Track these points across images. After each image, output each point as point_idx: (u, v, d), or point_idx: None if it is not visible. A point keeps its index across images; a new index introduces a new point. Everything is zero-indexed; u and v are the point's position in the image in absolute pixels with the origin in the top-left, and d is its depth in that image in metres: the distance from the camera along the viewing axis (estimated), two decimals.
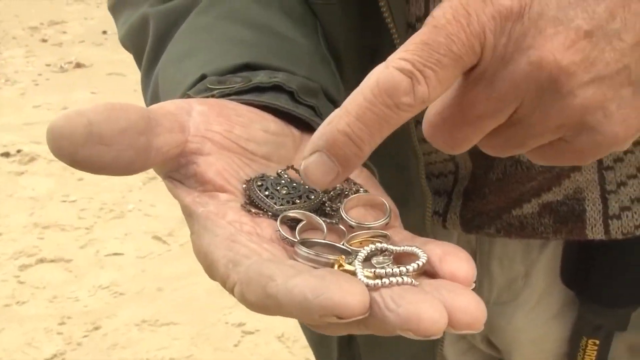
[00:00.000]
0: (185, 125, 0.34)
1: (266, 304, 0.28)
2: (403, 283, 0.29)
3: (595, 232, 0.53)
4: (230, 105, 0.37)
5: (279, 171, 0.37)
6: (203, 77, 0.41)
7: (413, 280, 0.29)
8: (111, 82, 3.42)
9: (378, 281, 0.28)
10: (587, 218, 0.52)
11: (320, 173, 0.32)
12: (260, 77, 0.40)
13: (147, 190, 2.48)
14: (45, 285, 2.04)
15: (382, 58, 0.48)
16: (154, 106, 0.34)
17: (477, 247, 0.60)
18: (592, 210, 0.52)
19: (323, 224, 0.34)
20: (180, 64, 0.44)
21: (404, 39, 0.46)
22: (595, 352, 0.58)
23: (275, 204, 0.35)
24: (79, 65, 3.66)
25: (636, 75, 0.30)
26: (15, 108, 3.20)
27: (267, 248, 0.31)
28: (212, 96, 0.39)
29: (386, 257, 0.31)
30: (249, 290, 0.29)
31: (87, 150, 0.30)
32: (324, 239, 0.34)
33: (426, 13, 0.46)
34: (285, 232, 0.33)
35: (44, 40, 4.07)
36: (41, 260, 2.15)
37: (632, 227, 0.52)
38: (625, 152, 0.51)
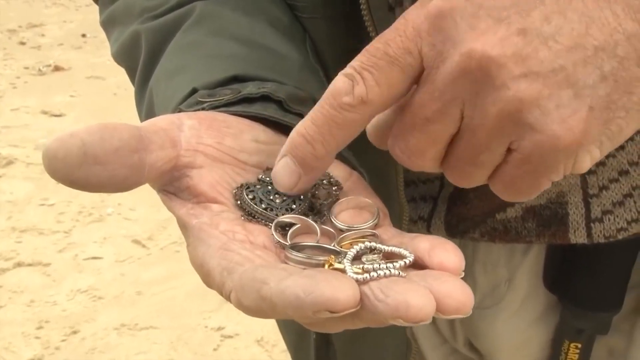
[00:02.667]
0: (176, 140, 0.35)
1: (261, 307, 0.29)
2: (390, 275, 0.30)
3: (578, 235, 0.53)
4: (220, 118, 0.38)
5: (260, 176, 0.37)
6: (194, 91, 0.42)
7: (400, 272, 0.30)
8: (90, 85, 3.40)
9: (366, 275, 0.30)
10: (570, 222, 0.53)
11: (286, 176, 0.34)
12: (249, 88, 0.41)
13: (127, 194, 2.46)
14: (23, 290, 2.02)
15: None
16: (145, 123, 0.35)
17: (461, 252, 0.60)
18: (574, 214, 0.53)
19: (316, 226, 0.35)
20: (172, 79, 0.45)
21: None
22: (577, 356, 0.58)
23: (277, 215, 0.36)
24: (57, 69, 3.63)
25: (575, 78, 0.31)
26: None
27: (260, 254, 0.32)
28: (203, 109, 0.40)
29: (375, 255, 0.32)
30: (244, 295, 0.30)
31: (83, 171, 0.31)
32: (317, 242, 0.34)
33: None
34: (278, 237, 0.34)
35: (22, 43, 4.03)
36: (19, 264, 2.12)
37: (614, 231, 0.53)
38: (607, 156, 0.52)
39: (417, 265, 0.32)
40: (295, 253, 0.32)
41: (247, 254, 0.32)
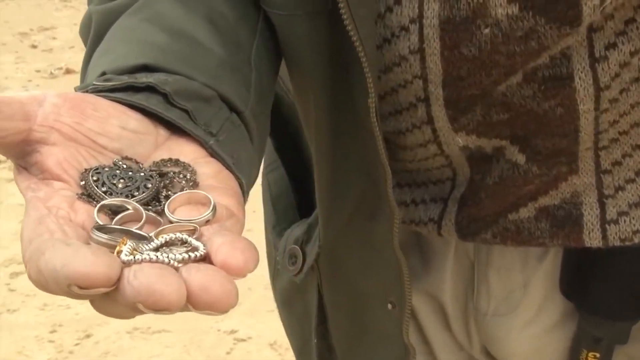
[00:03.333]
0: (31, 115, 0.35)
1: (39, 279, 0.29)
2: (157, 261, 0.29)
3: (592, 237, 0.52)
4: (90, 100, 0.38)
5: (115, 160, 0.37)
6: (103, 75, 0.42)
7: (173, 262, 0.30)
8: None
9: (132, 257, 0.29)
10: (585, 223, 0.52)
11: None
12: (140, 78, 0.41)
13: None
14: (36, 293, 2.02)
15: (354, 72, 0.48)
16: (3, 96, 0.35)
17: (475, 258, 0.60)
18: (589, 215, 0.52)
19: (143, 212, 0.34)
20: (96, 62, 0.45)
21: (372, 55, 0.46)
22: None
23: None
24: (68, 71, 3.64)
25: None
26: None
27: (67, 230, 0.32)
28: (86, 91, 0.40)
29: (183, 248, 0.32)
30: (30, 265, 0.29)
31: None
32: (140, 228, 0.34)
33: (420, 14, 0.46)
34: (97, 218, 0.33)
35: (34, 46, 4.04)
36: None
37: (629, 233, 0.52)
38: (624, 156, 0.51)
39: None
40: (97, 233, 0.31)
41: (54, 227, 0.31)
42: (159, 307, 0.28)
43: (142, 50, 0.43)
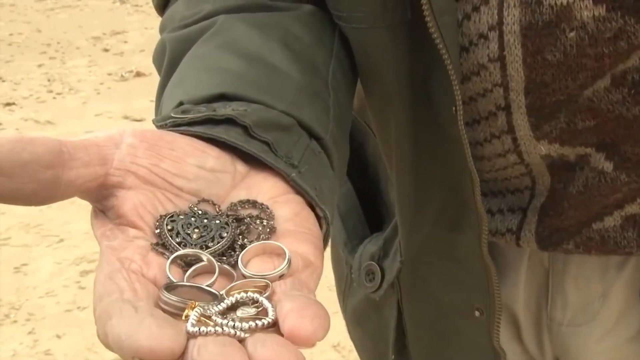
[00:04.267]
0: (108, 158, 0.34)
1: (106, 342, 0.28)
2: (223, 334, 0.29)
3: None
4: (168, 138, 0.37)
5: (190, 205, 0.36)
6: (180, 105, 0.41)
7: (239, 332, 0.29)
8: None
9: (197, 329, 0.28)
10: None
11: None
12: (219, 109, 0.40)
13: None
14: None
15: (435, 81, 0.46)
16: (80, 138, 0.34)
17: (550, 267, 0.58)
18: None
19: (216, 265, 0.33)
20: (172, 91, 0.44)
21: (456, 61, 0.45)
22: None
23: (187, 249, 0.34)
24: (139, 74, 3.73)
25: None
26: (77, 116, 3.28)
27: (137, 288, 0.31)
28: (165, 125, 0.39)
29: (254, 309, 0.31)
30: (98, 325, 0.29)
31: None
32: (211, 283, 0.33)
33: (500, 21, 0.45)
34: (175, 272, 0.33)
35: (106, 50, 4.16)
36: None
37: None
38: None
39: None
40: (166, 295, 0.30)
41: (124, 285, 0.31)
42: None
43: (218, 78, 0.43)
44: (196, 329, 0.28)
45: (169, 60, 0.49)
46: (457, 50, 0.47)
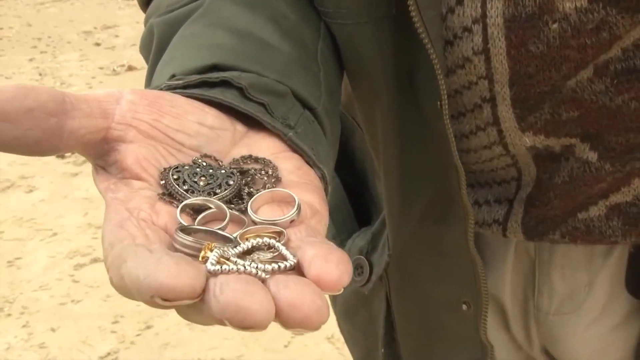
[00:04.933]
0: (109, 112, 0.34)
1: (122, 285, 0.28)
2: (245, 272, 0.28)
3: None
4: (167, 97, 0.37)
5: (194, 158, 0.36)
6: (173, 77, 0.41)
7: (261, 273, 0.28)
8: None
9: (219, 267, 0.28)
10: None
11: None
12: (214, 74, 0.40)
13: None
14: (100, 285, 2.08)
15: (420, 76, 0.47)
16: (80, 93, 0.34)
17: (537, 256, 0.58)
18: None
19: (227, 211, 0.33)
20: (162, 70, 0.44)
21: (441, 55, 0.46)
22: None
23: (196, 197, 0.34)
24: (130, 68, 3.72)
25: None
26: None
27: (149, 234, 0.30)
28: (160, 89, 0.39)
29: (270, 253, 0.30)
30: (111, 271, 0.28)
31: None
32: (221, 228, 0.32)
33: (483, 14, 0.45)
34: (180, 218, 0.32)
35: (97, 44, 4.14)
36: (95, 260, 2.18)
37: None
38: None
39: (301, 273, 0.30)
40: (181, 235, 0.30)
41: (136, 231, 0.30)
42: (245, 326, 0.26)
43: (210, 52, 0.43)
44: (217, 267, 0.28)
45: (157, 44, 0.49)
46: (442, 44, 0.47)
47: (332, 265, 0.29)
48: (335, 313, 0.72)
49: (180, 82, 0.39)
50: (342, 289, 0.29)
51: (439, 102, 0.47)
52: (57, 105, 0.32)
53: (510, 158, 0.52)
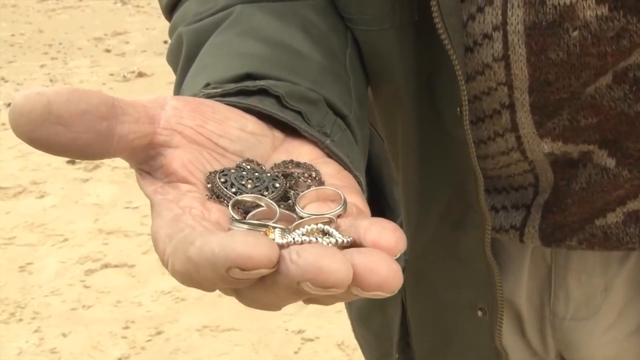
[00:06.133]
0: (155, 118, 0.34)
1: (188, 269, 0.28)
2: (314, 242, 0.28)
3: None
4: (208, 103, 0.38)
5: (238, 162, 0.36)
6: (207, 86, 0.42)
7: (326, 244, 0.29)
8: (172, 90, 3.48)
9: (290, 238, 0.28)
10: None
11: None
12: (250, 83, 0.40)
13: None
14: (110, 290, 2.08)
15: (440, 82, 0.47)
16: (127, 99, 0.35)
17: (553, 261, 0.58)
18: None
19: (276, 208, 0.34)
20: (194, 79, 0.44)
21: (462, 61, 0.46)
22: None
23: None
24: (141, 75, 3.74)
25: None
26: None
27: (206, 225, 0.31)
28: (197, 96, 0.39)
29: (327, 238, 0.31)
30: (175, 258, 0.29)
31: (45, 130, 0.30)
32: (272, 223, 0.33)
33: (504, 21, 0.45)
34: (233, 213, 0.33)
35: (108, 51, 4.17)
36: (106, 265, 2.19)
37: None
38: None
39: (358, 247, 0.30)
40: (237, 224, 0.31)
41: (193, 223, 0.31)
42: (327, 285, 0.26)
43: (243, 61, 0.43)
44: (285, 240, 0.28)
45: (186, 52, 0.49)
46: (463, 51, 0.47)
47: (388, 231, 0.30)
48: (350, 318, 0.72)
49: (219, 90, 0.40)
50: (398, 256, 0.29)
51: (459, 108, 0.48)
52: (108, 109, 0.32)
53: (528, 164, 0.52)
